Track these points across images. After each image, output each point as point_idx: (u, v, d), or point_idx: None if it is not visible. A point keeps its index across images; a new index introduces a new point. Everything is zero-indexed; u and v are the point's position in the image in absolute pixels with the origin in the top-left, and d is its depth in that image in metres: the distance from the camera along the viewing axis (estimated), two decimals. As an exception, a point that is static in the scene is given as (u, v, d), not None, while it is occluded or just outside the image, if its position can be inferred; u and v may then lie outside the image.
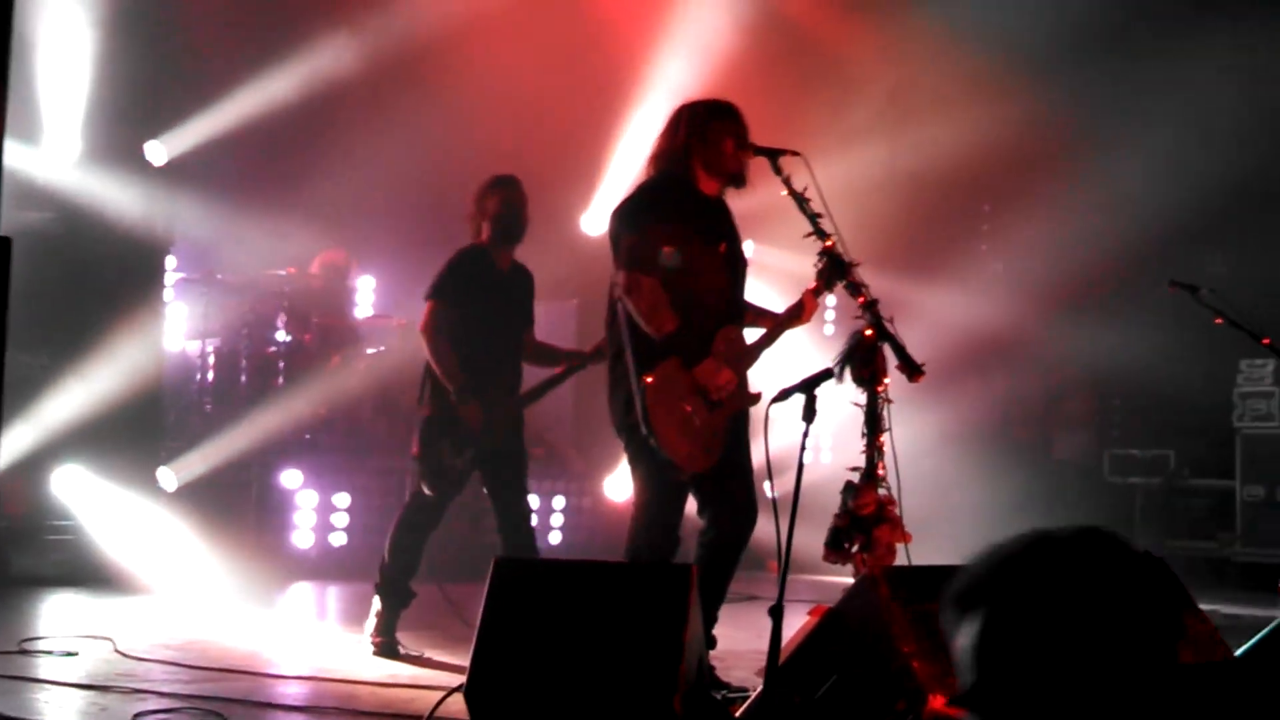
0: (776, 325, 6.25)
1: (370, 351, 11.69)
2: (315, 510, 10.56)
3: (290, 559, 10.29)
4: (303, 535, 10.52)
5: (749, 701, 4.99)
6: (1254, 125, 12.32)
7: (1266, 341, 8.74)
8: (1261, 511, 11.30)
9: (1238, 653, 6.13)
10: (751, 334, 6.30)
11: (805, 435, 4.49)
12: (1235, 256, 11.02)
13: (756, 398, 6.10)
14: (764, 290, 6.85)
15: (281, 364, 11.27)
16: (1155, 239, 11.41)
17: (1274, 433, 10.59)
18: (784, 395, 4.63)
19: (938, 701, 4.39)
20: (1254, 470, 11.31)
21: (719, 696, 5.54)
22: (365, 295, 12.90)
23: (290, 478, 10.49)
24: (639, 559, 6.03)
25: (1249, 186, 12.20)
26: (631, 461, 6.17)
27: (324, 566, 10.33)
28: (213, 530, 9.77)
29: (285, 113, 11.35)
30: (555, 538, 11.51)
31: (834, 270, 6.07)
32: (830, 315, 12.13)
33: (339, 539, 10.61)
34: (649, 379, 5.86)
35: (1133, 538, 9.23)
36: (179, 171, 10.68)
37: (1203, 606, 7.69)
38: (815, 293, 6.21)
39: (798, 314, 6.24)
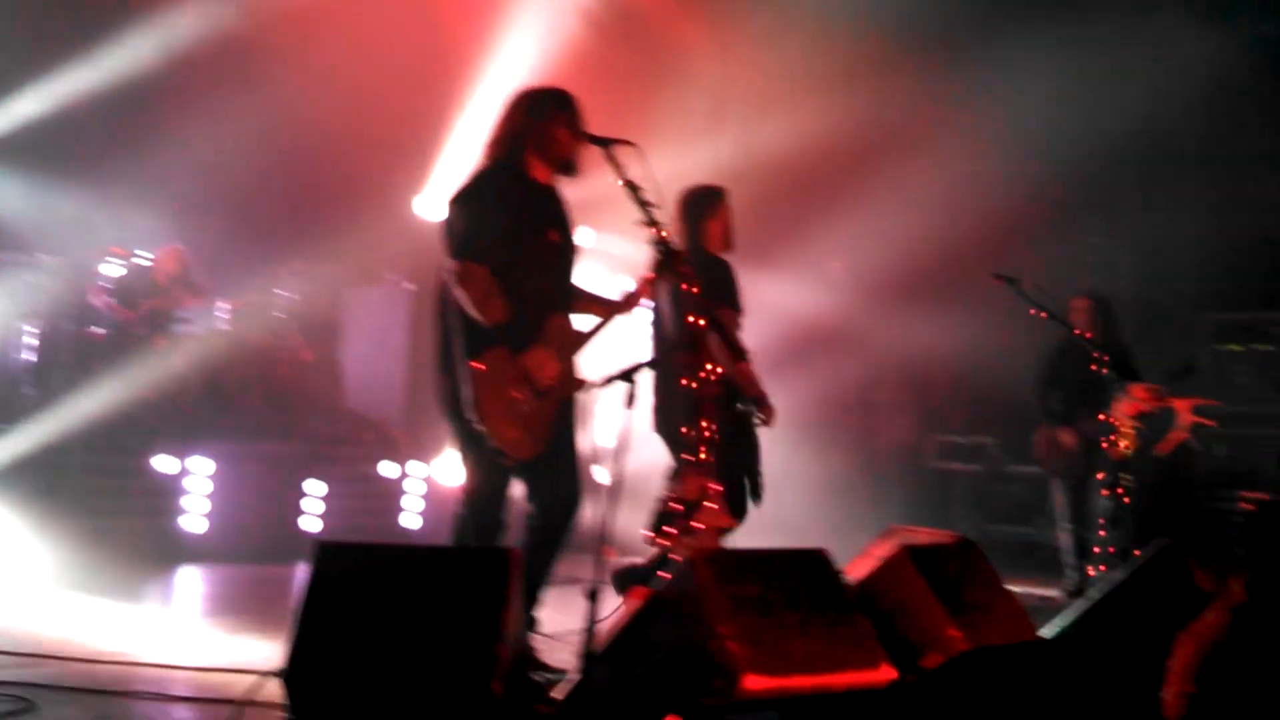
0: (607, 314, 6.28)
1: (198, 334, 11.53)
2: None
3: (125, 541, 10.09)
4: (181, 519, 10.36)
5: (568, 682, 5.05)
6: (1067, 127, 12.73)
7: (1078, 333, 9.03)
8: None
9: (1044, 632, 6.34)
10: (583, 321, 6.34)
11: (627, 422, 4.54)
12: (1046, 253, 11.35)
13: (585, 385, 6.14)
14: (601, 278, 6.88)
15: (105, 346, 11.05)
16: (979, 233, 11.69)
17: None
18: (608, 382, 4.68)
19: (751, 681, 4.47)
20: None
21: (540, 679, 5.57)
22: (195, 277, 12.69)
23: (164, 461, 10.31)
24: (465, 543, 6.05)
25: (1059, 187, 12.63)
26: (459, 446, 6.17)
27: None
28: (35, 513, 9.54)
29: (112, 96, 11.13)
30: (386, 522, 11.44)
31: (663, 259, 6.13)
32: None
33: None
34: (478, 366, 5.88)
35: (953, 522, 9.49)
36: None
37: (1016, 589, 7.94)
38: (646, 282, 6.26)
39: (628, 303, 6.29)
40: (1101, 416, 9.57)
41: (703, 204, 7.60)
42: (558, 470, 6.15)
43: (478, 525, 6.11)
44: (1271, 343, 12.62)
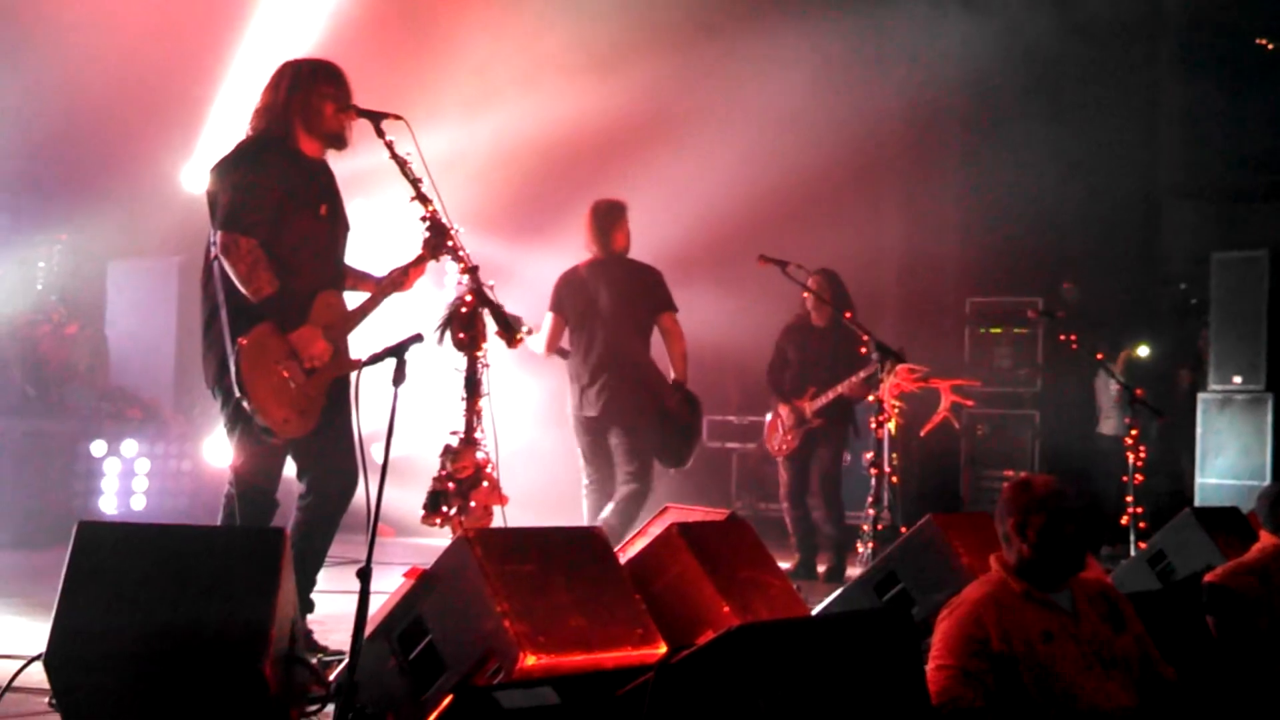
0: (378, 291, 6.23)
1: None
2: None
3: None
4: None
5: (343, 664, 5.01)
6: (834, 112, 13.04)
7: (849, 315, 9.24)
8: (845, 477, 11.91)
9: (814, 610, 6.49)
10: (352, 299, 6.27)
11: (395, 399, 4.51)
12: (812, 236, 11.60)
13: (356, 364, 6.08)
14: (370, 253, 6.81)
15: None
16: (748, 216, 11.88)
17: (860, 406, 11.11)
18: (375, 359, 4.64)
19: (527, 659, 4.49)
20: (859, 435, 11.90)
21: (316, 660, 5.52)
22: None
23: None
24: (234, 523, 5.95)
25: (825, 172, 12.93)
26: (227, 424, 6.07)
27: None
28: None
29: None
30: (151, 503, 11.16)
31: (434, 236, 6.11)
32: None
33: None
34: (243, 341, 5.78)
35: (728, 500, 9.61)
36: None
37: (785, 565, 8.10)
38: (419, 260, 6.21)
39: (400, 281, 6.23)
40: (828, 396, 9.83)
41: (612, 215, 8.81)
42: (330, 450, 6.09)
43: (247, 505, 6.02)
44: (1028, 326, 13.08)
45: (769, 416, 10.40)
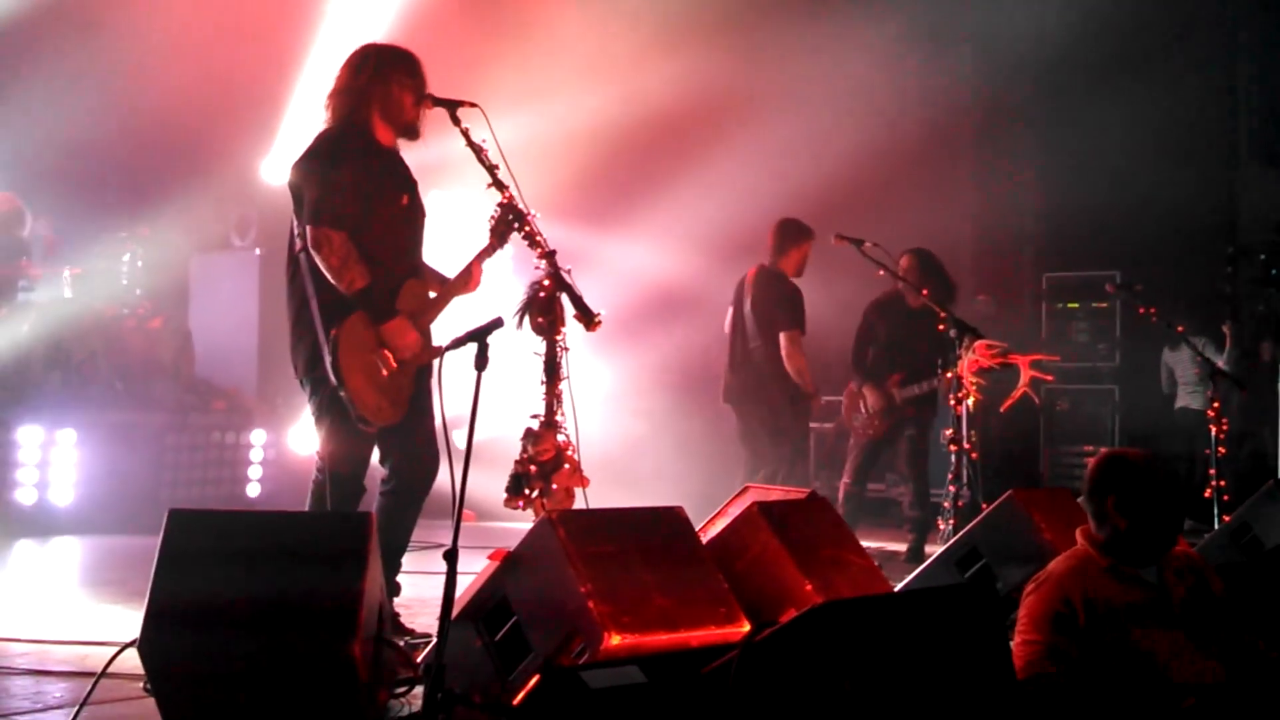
0: (445, 291, 6.26)
1: (42, 301, 11.27)
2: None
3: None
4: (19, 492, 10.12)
5: (430, 646, 5.07)
6: (907, 89, 12.98)
7: (925, 293, 9.21)
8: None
9: (899, 586, 6.50)
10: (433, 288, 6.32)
11: (478, 383, 4.55)
12: (888, 215, 11.55)
13: (439, 352, 6.11)
14: (444, 245, 6.86)
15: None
16: (824, 195, 11.84)
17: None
18: (456, 344, 4.68)
19: (612, 639, 4.52)
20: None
21: (402, 643, 5.59)
22: (37, 243, 12.37)
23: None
24: (331, 506, 6.02)
25: (899, 150, 12.87)
26: (316, 413, 6.14)
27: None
28: None
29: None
30: (239, 490, 11.34)
31: (511, 222, 6.14)
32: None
33: (25, 495, 10.22)
34: (337, 332, 5.85)
35: (807, 480, 9.56)
36: None
37: (871, 544, 8.10)
38: (481, 258, 6.24)
39: (465, 281, 6.26)
40: (921, 388, 9.78)
41: (793, 235, 9.64)
42: (413, 436, 6.15)
43: (337, 491, 6.09)
44: (1106, 300, 12.96)
45: (844, 394, 10.35)
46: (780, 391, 9.65)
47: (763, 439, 9.73)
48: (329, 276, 5.89)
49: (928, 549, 9.70)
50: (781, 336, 9.64)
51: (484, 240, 6.22)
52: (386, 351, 5.94)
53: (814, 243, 9.73)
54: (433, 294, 6.24)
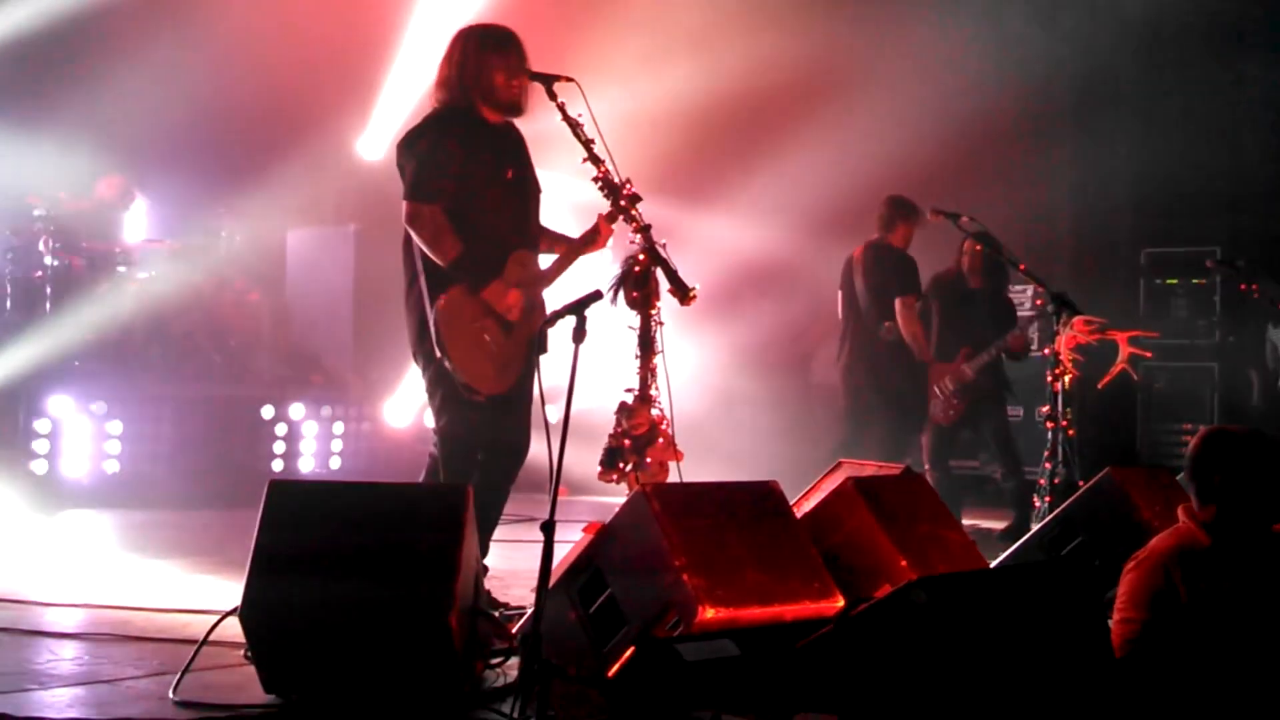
0: (570, 250, 6.30)
1: (141, 276, 11.45)
2: (89, 438, 10.32)
3: (61, 486, 10.06)
4: (75, 462, 10.27)
5: (525, 617, 5.11)
6: (1003, 64, 12.84)
7: (1023, 267, 9.11)
8: (1018, 432, 11.77)
9: (995, 563, 6.46)
10: (548, 260, 6.35)
11: (576, 356, 4.56)
12: (984, 189, 11.45)
13: (551, 320, 6.13)
14: (555, 215, 6.89)
15: (49, 289, 10.96)
16: (919, 170, 11.75)
17: (1034, 356, 10.97)
18: (556, 317, 4.70)
19: (707, 612, 4.54)
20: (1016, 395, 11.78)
21: (497, 614, 5.63)
22: (138, 219, 12.58)
23: (60, 404, 10.21)
24: (446, 479, 6.07)
25: (994, 125, 12.75)
26: (430, 387, 6.21)
27: (97, 494, 10.13)
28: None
29: (47, 36, 10.99)
30: (335, 463, 11.46)
31: (608, 196, 6.16)
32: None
33: (112, 466, 10.41)
34: (440, 304, 5.93)
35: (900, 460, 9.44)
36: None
37: (965, 521, 8.06)
38: (609, 219, 6.27)
39: (592, 239, 6.29)
40: (990, 354, 9.68)
41: (902, 210, 9.80)
42: (511, 413, 6.18)
43: (451, 465, 6.13)
44: (1205, 276, 12.77)
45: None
46: (894, 365, 9.64)
47: (874, 418, 9.72)
48: (426, 250, 5.97)
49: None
50: (897, 303, 9.66)
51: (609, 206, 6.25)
52: (490, 320, 5.99)
53: (923, 221, 9.70)
54: (553, 259, 6.27)
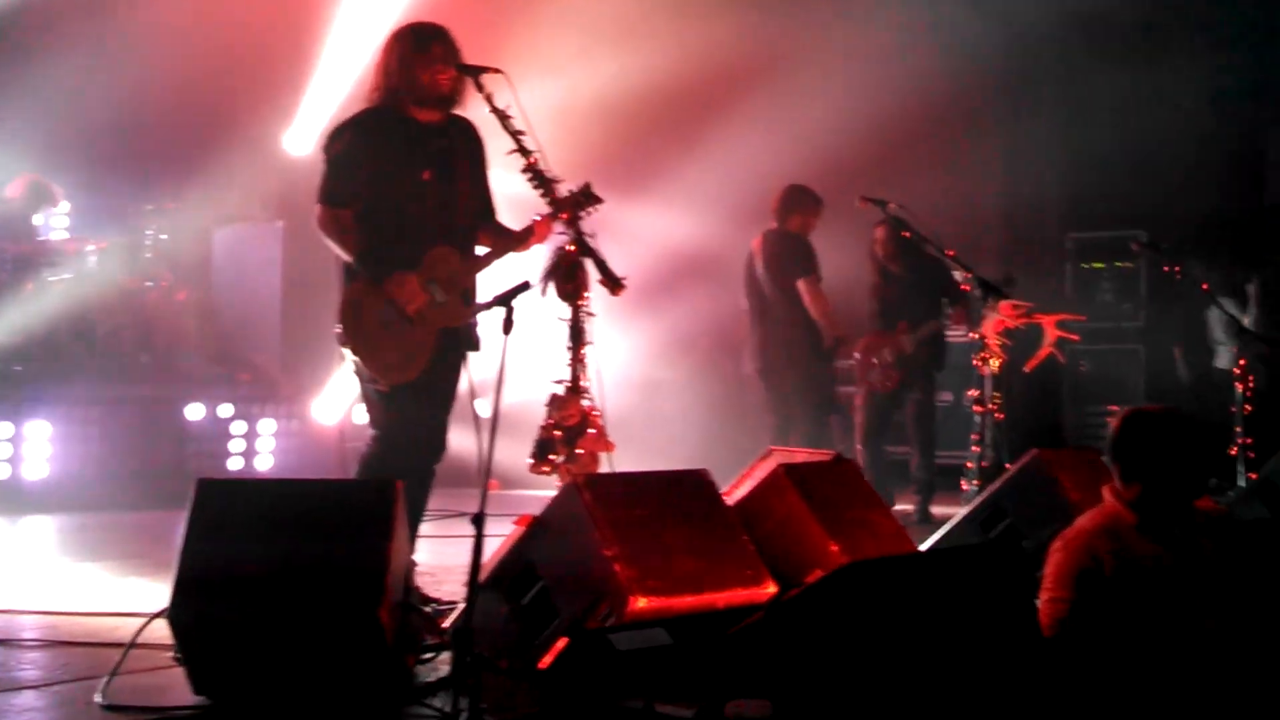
0: (499, 247, 6.26)
1: (66, 276, 11.30)
2: (9, 441, 10.19)
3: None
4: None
5: (457, 612, 5.09)
6: (930, 52, 12.91)
7: (951, 253, 9.17)
8: (948, 416, 11.87)
9: (923, 546, 6.50)
10: (481, 254, 6.32)
11: (504, 348, 4.55)
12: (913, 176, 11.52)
13: (465, 314, 6.12)
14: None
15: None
16: (847, 158, 11.80)
17: (961, 341, 11.06)
18: (483, 308, 4.68)
19: (638, 602, 4.54)
20: (941, 377, 11.84)
21: (429, 610, 5.61)
22: (60, 219, 12.41)
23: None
24: (374, 473, 6.03)
25: (924, 112, 12.82)
26: (354, 382, 6.22)
27: (24, 498, 10.00)
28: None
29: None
30: (265, 462, 11.37)
31: (537, 187, 6.16)
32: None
33: (39, 470, 10.28)
34: (344, 297, 5.92)
35: (834, 443, 9.53)
36: None
37: (896, 507, 8.08)
38: (551, 216, 6.25)
39: (524, 238, 6.27)
40: (930, 327, 9.75)
41: (798, 199, 9.91)
42: (429, 402, 6.13)
43: (384, 459, 6.09)
44: (1131, 260, 12.91)
45: (857, 350, 10.26)
46: (808, 349, 9.67)
47: (794, 402, 9.74)
48: (335, 250, 6.00)
49: (950, 510, 9.67)
50: (799, 284, 9.67)
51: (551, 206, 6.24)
52: (391, 311, 5.94)
53: (821, 211, 9.77)
54: (491, 250, 6.25)
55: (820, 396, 9.81)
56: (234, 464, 11.11)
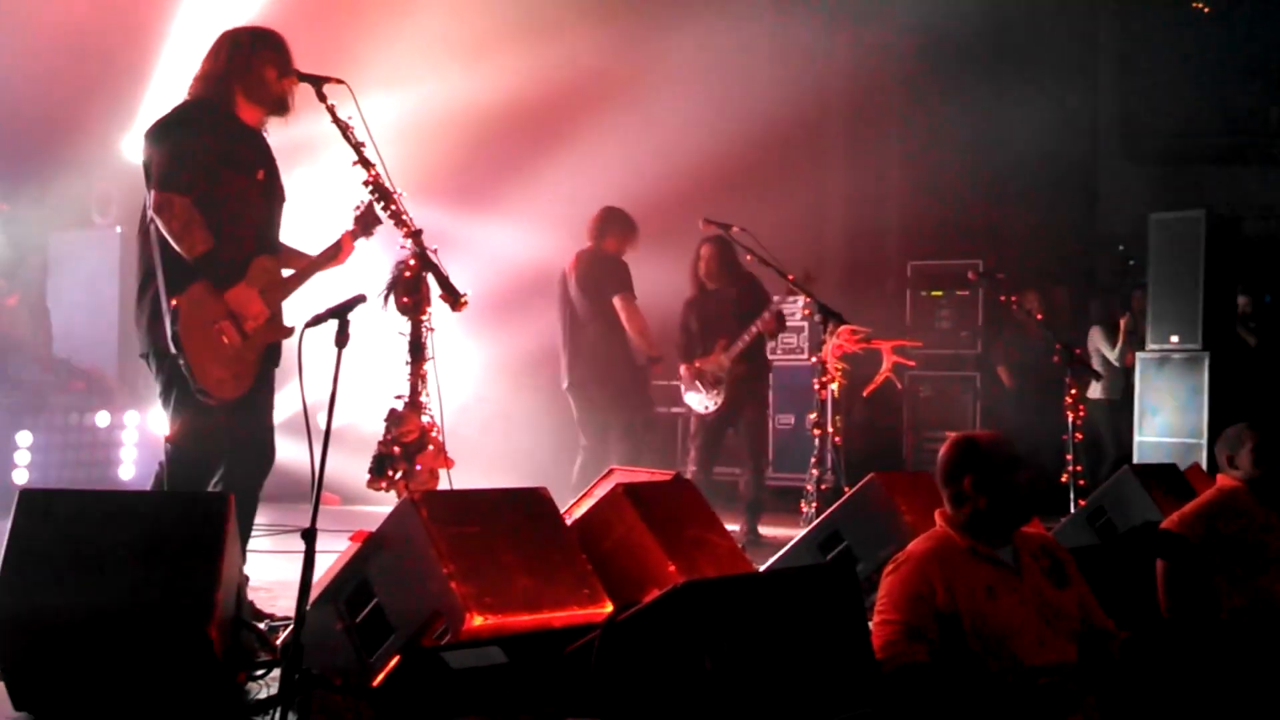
0: (311, 264, 6.19)
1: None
2: None
3: None
4: None
5: (289, 628, 5.02)
6: (778, 80, 13.09)
7: (791, 278, 9.27)
8: (789, 439, 11.98)
9: (762, 568, 6.54)
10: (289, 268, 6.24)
11: (339, 360, 4.49)
12: (758, 203, 11.64)
13: (290, 331, 6.04)
14: (311, 221, 6.79)
15: None
16: (692, 182, 11.89)
17: (803, 365, 11.20)
18: (317, 320, 4.62)
19: (474, 620, 4.51)
20: (783, 400, 11.99)
21: (263, 626, 5.52)
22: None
23: None
24: (176, 487, 5.92)
25: (771, 139, 12.98)
26: (162, 391, 6.02)
27: None
28: None
29: None
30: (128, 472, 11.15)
31: (366, 213, 6.12)
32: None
33: None
34: (179, 300, 5.75)
35: (677, 463, 9.60)
36: None
37: (731, 527, 8.12)
38: (353, 235, 6.20)
39: (333, 255, 6.20)
40: (743, 340, 9.81)
41: (615, 223, 9.84)
42: (252, 418, 6.04)
43: (181, 472, 5.97)
44: (969, 288, 13.18)
45: (680, 378, 10.25)
46: (620, 364, 9.71)
47: (611, 420, 9.72)
48: (171, 241, 5.81)
49: (789, 532, 9.74)
50: (615, 301, 9.65)
51: (351, 223, 6.18)
52: (229, 322, 5.84)
53: (637, 236, 9.83)
54: (293, 270, 6.16)
55: (633, 412, 9.79)
56: (73, 475, 10.80)
